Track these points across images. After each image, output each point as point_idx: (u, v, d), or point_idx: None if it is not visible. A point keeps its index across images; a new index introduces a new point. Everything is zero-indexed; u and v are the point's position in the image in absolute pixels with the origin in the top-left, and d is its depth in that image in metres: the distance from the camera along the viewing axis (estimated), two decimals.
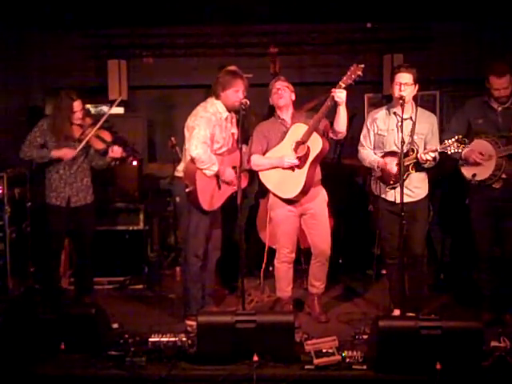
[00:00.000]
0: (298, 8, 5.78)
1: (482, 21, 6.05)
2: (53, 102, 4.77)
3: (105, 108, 6.37)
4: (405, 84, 4.07)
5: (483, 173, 4.27)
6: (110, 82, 6.37)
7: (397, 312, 4.33)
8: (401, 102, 4.00)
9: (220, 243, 4.67)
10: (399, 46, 6.32)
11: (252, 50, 6.22)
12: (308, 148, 4.26)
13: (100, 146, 4.72)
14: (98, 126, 4.67)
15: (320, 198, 4.45)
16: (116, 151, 4.72)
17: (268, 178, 4.44)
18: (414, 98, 4.21)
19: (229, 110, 4.38)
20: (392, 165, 4.14)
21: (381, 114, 4.29)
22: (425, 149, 4.16)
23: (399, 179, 3.96)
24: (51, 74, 6.38)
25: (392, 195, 4.20)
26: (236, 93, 4.29)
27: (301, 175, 4.29)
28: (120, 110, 6.42)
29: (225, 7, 5.74)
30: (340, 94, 4.08)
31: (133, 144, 5.82)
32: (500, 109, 4.27)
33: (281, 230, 4.47)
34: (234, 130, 4.47)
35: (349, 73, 4.09)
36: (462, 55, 6.28)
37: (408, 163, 4.09)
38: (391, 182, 4.21)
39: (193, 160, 4.27)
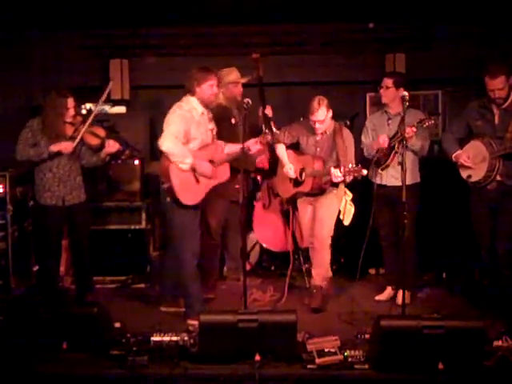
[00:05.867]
0: (299, 8, 5.78)
1: (483, 21, 6.04)
2: (44, 101, 4.74)
3: (107, 107, 6.37)
4: (385, 87, 4.69)
5: (477, 174, 4.32)
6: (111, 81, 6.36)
7: (388, 289, 4.90)
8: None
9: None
10: (401, 45, 6.33)
11: (252, 50, 6.20)
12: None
13: (95, 141, 4.68)
14: (89, 120, 4.63)
15: (328, 194, 4.73)
16: (112, 145, 4.71)
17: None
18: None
19: (205, 106, 4.46)
20: (384, 138, 4.61)
21: (376, 114, 4.96)
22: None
23: (402, 165, 4.02)
24: (52, 73, 6.36)
25: (384, 179, 4.67)
26: (211, 87, 4.40)
27: None
28: (122, 110, 6.42)
29: (225, 7, 5.74)
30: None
31: (134, 143, 5.86)
32: (497, 110, 4.27)
33: (301, 219, 4.93)
34: (211, 126, 4.55)
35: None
36: (463, 55, 6.27)
37: (394, 143, 4.54)
38: (382, 162, 4.64)
39: (166, 156, 4.29)
